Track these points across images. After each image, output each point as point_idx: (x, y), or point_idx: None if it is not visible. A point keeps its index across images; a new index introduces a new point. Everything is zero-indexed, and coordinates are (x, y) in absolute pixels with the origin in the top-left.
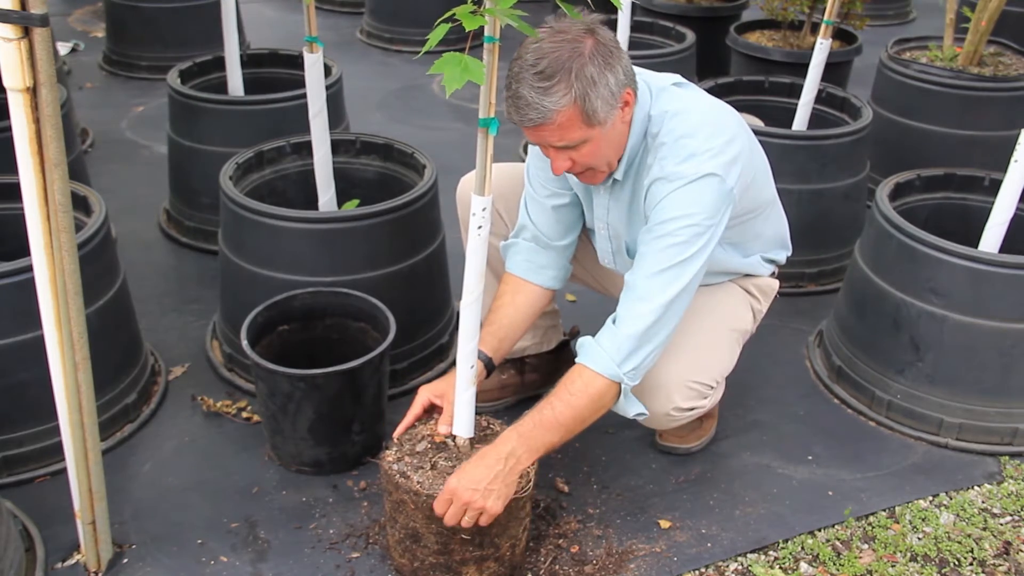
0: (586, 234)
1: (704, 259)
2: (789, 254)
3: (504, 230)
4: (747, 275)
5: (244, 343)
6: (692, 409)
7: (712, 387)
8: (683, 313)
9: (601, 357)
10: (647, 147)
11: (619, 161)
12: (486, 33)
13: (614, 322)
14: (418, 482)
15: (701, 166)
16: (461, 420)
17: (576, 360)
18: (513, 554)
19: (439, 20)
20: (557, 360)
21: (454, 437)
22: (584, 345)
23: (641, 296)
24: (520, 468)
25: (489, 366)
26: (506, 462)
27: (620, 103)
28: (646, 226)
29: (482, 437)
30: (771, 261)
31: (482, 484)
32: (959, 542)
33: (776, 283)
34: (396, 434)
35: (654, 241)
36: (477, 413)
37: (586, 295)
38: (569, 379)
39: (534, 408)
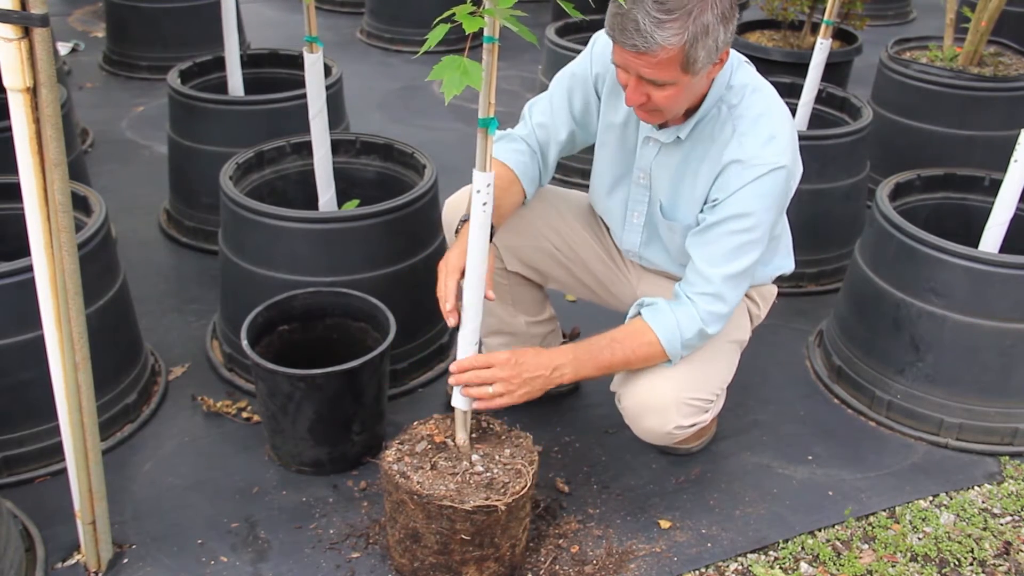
0: (588, 230)
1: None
2: (794, 266)
3: (495, 252)
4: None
5: (244, 343)
6: (693, 425)
7: (712, 400)
8: None
9: (672, 332)
10: (720, 115)
11: (687, 118)
12: (485, 33)
13: (690, 300)
14: (418, 482)
15: (778, 155)
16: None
17: (644, 316)
18: (513, 554)
19: (438, 20)
20: None
21: (454, 437)
22: (658, 309)
23: (720, 294)
24: (557, 383)
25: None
26: (552, 371)
27: (717, 59)
28: (717, 213)
29: (482, 437)
30: (778, 274)
31: (524, 375)
32: (959, 542)
33: (775, 288)
34: (442, 297)
35: (730, 236)
36: (477, 413)
37: None
38: (634, 331)
39: (595, 340)
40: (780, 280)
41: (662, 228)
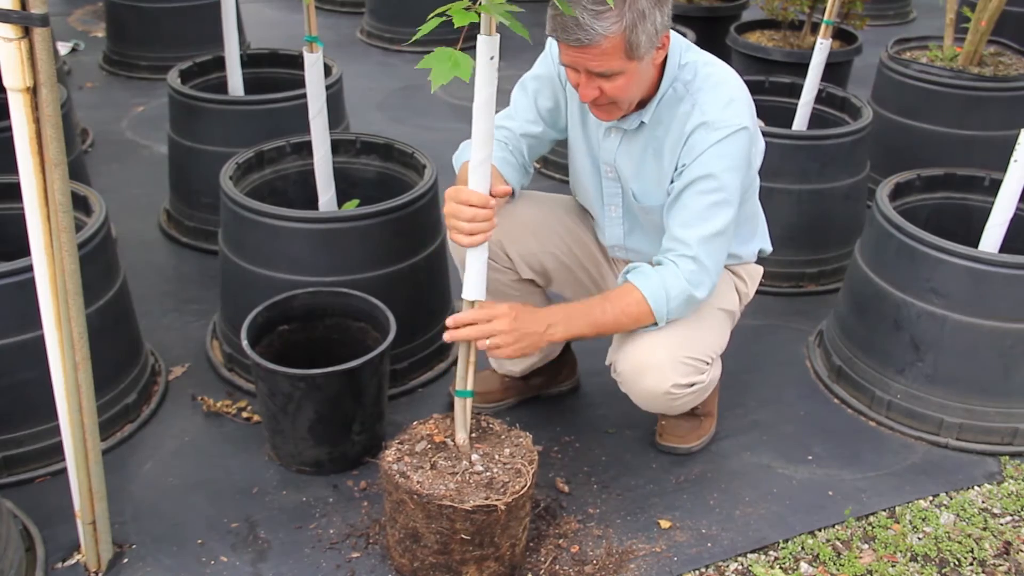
0: (583, 229)
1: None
2: (771, 247)
3: (508, 264)
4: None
5: (244, 343)
6: (692, 385)
7: (707, 363)
8: None
9: (658, 292)
10: (677, 94)
11: (646, 104)
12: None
13: (672, 263)
14: (418, 482)
15: (739, 116)
16: (471, 283)
17: (630, 279)
18: (513, 554)
19: (432, 14)
20: (559, 363)
21: (453, 437)
22: (644, 272)
23: (697, 257)
24: (550, 340)
25: None
26: (546, 329)
27: (659, 43)
28: (685, 177)
29: (481, 436)
30: (759, 251)
31: (521, 330)
32: (959, 542)
33: (760, 268)
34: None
35: (701, 196)
36: (477, 413)
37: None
38: (623, 292)
39: (587, 300)
40: (780, 280)
41: (640, 215)
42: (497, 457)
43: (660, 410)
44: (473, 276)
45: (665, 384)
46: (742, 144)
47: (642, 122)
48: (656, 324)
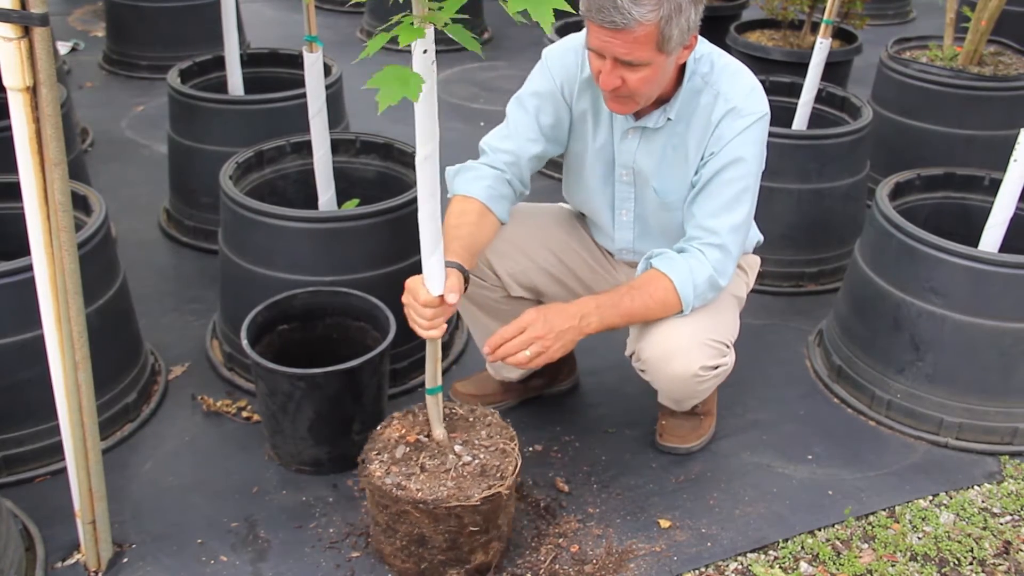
0: (573, 238)
1: None
2: (763, 238)
3: (497, 283)
4: None
5: (244, 342)
6: (716, 367)
7: (728, 346)
8: None
9: (685, 277)
10: (696, 86)
11: (668, 100)
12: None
13: (698, 251)
14: (417, 490)
15: (761, 103)
16: (433, 280)
17: (656, 264)
18: (509, 529)
19: (380, 28)
20: (558, 362)
21: (429, 435)
22: (670, 257)
23: (724, 245)
24: (586, 332)
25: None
26: (580, 320)
27: (687, 42)
28: (712, 166)
29: (451, 424)
30: (755, 242)
31: (556, 329)
32: (959, 542)
33: (757, 259)
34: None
35: (729, 184)
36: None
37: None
38: (650, 279)
39: (614, 291)
40: (780, 280)
41: (657, 215)
42: (477, 442)
43: (683, 396)
44: (430, 271)
45: (693, 367)
46: (764, 130)
47: (668, 118)
48: (682, 311)
